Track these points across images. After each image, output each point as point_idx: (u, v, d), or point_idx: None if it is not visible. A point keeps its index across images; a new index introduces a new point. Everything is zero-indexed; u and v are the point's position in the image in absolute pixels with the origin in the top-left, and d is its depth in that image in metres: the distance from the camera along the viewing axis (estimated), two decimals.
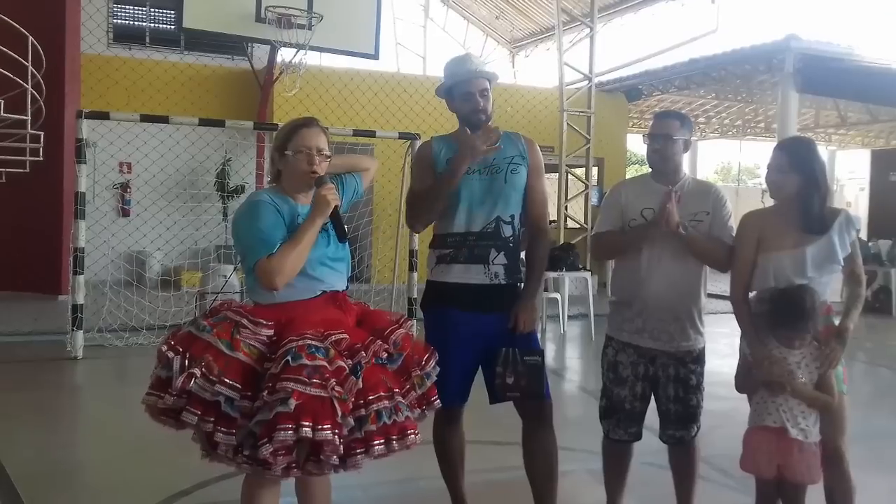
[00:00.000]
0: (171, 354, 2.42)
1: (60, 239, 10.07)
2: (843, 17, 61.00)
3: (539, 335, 3.23)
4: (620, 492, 3.36)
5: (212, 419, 2.37)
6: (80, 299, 7.06)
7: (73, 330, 7.05)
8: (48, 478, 4.05)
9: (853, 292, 3.02)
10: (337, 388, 2.37)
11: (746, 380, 2.97)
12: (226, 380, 2.36)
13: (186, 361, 2.39)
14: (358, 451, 2.47)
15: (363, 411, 2.44)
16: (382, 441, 2.49)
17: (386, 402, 2.48)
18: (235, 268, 9.27)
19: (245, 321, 2.49)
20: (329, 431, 2.32)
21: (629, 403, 3.19)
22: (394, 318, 2.78)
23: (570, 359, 8.42)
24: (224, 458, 2.48)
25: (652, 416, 3.24)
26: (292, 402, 2.28)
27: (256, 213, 2.59)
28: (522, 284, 3.19)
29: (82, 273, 7.08)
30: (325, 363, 2.40)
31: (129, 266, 9.11)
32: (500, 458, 4.11)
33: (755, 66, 13.20)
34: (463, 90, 3.11)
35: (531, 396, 3.05)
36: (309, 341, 2.42)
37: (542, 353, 3.09)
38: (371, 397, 2.46)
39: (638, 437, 3.25)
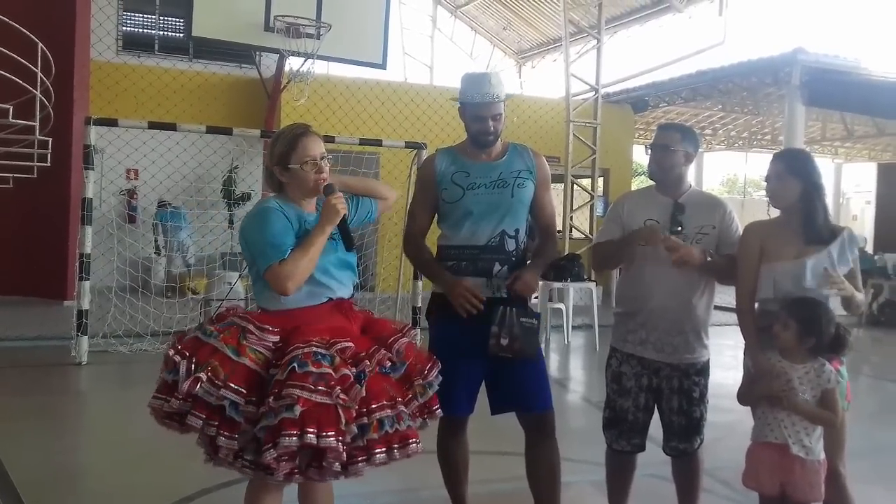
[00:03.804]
0: (177, 358, 2.44)
1: (67, 244, 10.10)
2: (850, 31, 61.09)
3: (542, 345, 3.23)
4: (623, 503, 3.35)
5: (216, 423, 2.39)
6: (86, 305, 7.07)
7: (78, 335, 7.07)
8: (52, 483, 4.05)
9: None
10: (342, 396, 2.39)
11: (748, 392, 2.97)
12: (231, 384, 2.39)
13: (193, 366, 2.42)
14: (360, 458, 2.48)
15: (366, 419, 2.45)
16: (384, 449, 2.50)
17: (388, 411, 2.49)
18: (241, 275, 9.28)
19: (251, 327, 2.52)
20: (333, 438, 2.34)
21: (632, 415, 3.18)
22: (398, 326, 2.79)
23: (574, 369, 8.41)
24: (225, 463, 2.51)
25: (656, 427, 3.23)
26: (297, 409, 2.30)
27: (266, 219, 2.61)
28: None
29: (88, 279, 7.10)
30: (330, 371, 2.41)
31: (134, 272, 9.12)
32: (503, 469, 4.10)
33: (762, 79, 13.21)
34: (475, 113, 3.11)
35: (524, 358, 3.01)
36: (315, 349, 2.44)
37: (538, 317, 3.08)
38: (374, 406, 2.47)
39: (641, 448, 3.25)
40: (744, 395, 2.99)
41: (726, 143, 20.68)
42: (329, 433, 2.33)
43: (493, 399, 3.15)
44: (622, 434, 3.22)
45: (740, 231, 3.16)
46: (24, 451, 4.52)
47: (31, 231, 10.56)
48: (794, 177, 2.95)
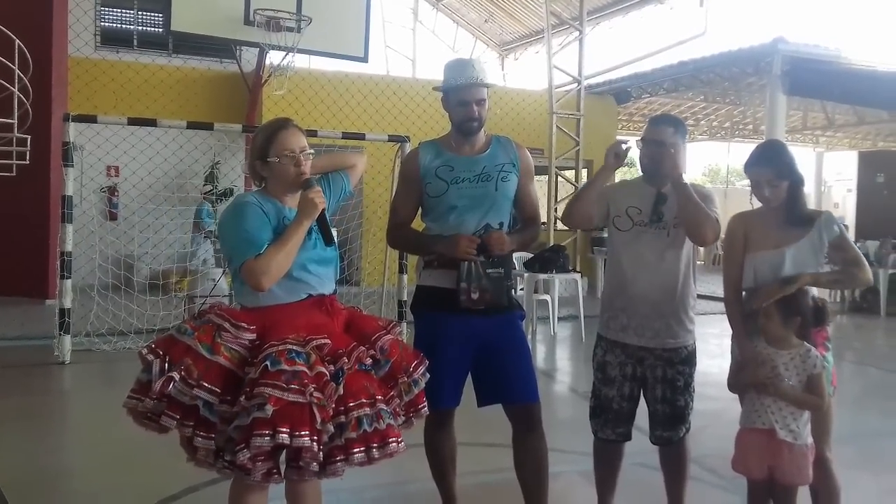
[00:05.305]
0: (150, 357, 2.40)
1: (47, 243, 10.00)
2: (831, 21, 61.57)
3: (529, 336, 3.23)
4: (611, 492, 3.35)
5: (191, 423, 2.36)
6: (68, 303, 7.00)
7: (60, 334, 7.00)
8: (35, 483, 4.02)
9: (845, 269, 3.02)
10: (316, 394, 2.34)
11: (736, 380, 2.99)
12: (204, 383, 2.35)
13: (166, 365, 2.38)
14: (338, 458, 2.43)
15: (343, 418, 2.41)
16: (363, 449, 2.44)
17: (367, 409, 2.44)
18: (224, 271, 9.23)
19: (227, 324, 2.47)
20: (307, 438, 2.30)
21: (617, 403, 3.19)
22: (382, 323, 2.75)
23: (561, 360, 8.42)
24: (205, 463, 2.47)
25: (643, 416, 3.24)
26: (269, 408, 2.26)
27: (242, 214, 2.57)
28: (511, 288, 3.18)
29: (70, 277, 7.02)
30: (305, 368, 2.37)
31: (116, 270, 9.04)
32: (491, 460, 4.10)
33: (743, 69, 13.27)
34: (460, 98, 3.09)
35: (496, 309, 3.00)
36: (290, 346, 2.40)
37: (505, 266, 3.04)
38: (351, 404, 2.43)
39: (627, 437, 3.25)
40: (732, 383, 3.02)
41: (709, 134, 20.80)
42: (303, 432, 2.29)
43: (480, 391, 3.15)
44: (607, 423, 3.22)
45: (717, 205, 3.14)
46: (7, 452, 4.48)
47: (10, 229, 10.45)
48: (783, 179, 2.98)
